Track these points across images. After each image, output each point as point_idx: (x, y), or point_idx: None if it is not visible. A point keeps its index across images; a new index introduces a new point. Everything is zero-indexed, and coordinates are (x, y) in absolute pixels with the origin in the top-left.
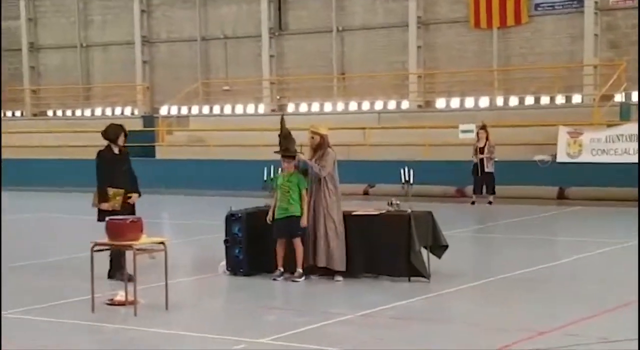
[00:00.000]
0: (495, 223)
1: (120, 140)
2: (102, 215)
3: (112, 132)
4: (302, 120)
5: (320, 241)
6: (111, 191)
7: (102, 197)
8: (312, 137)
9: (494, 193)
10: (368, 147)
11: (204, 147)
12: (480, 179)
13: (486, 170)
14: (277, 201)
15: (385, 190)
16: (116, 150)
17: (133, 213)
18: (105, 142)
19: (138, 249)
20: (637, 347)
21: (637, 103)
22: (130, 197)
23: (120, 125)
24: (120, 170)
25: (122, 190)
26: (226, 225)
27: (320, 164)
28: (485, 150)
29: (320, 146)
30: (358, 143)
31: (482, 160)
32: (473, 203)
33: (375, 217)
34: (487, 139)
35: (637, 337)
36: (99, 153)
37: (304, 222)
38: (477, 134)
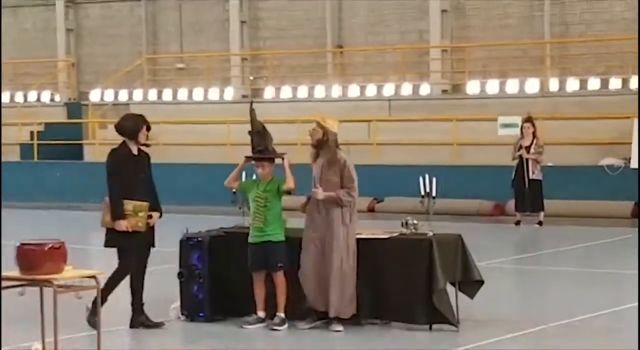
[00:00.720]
0: (546, 251)
1: (142, 137)
2: (115, 238)
3: (130, 124)
4: (285, 109)
5: (336, 282)
6: (130, 205)
7: (118, 212)
8: (313, 129)
9: (542, 209)
10: (374, 146)
11: (150, 146)
12: (524, 191)
13: (531, 176)
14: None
15: (397, 206)
16: (135, 150)
17: (153, 238)
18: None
19: (60, 286)
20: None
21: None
22: (150, 216)
23: (141, 116)
24: (140, 177)
25: (145, 204)
26: (181, 253)
27: (345, 185)
28: (532, 150)
29: (321, 144)
30: (360, 141)
31: (526, 163)
32: (518, 223)
33: (384, 242)
34: (534, 135)
35: None
36: (112, 152)
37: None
38: (522, 128)
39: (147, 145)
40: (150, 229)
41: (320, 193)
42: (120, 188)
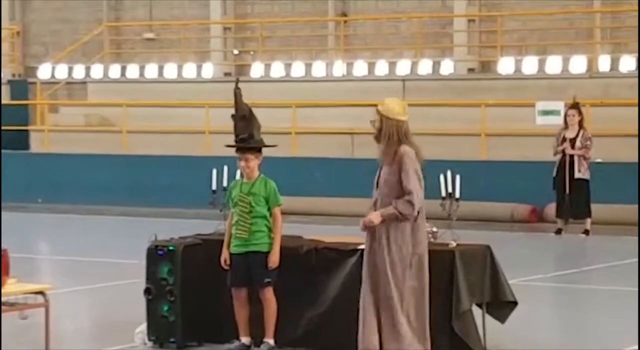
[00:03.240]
0: (593, 266)
1: None
2: None
3: None
4: (276, 90)
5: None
6: None
7: None
8: (373, 121)
9: (589, 215)
10: None
11: (111, 134)
12: (567, 193)
13: (577, 176)
14: (232, 227)
15: None
16: None
17: None
18: None
19: (1, 303)
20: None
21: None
22: None
23: None
24: None
25: None
26: (148, 266)
27: (406, 189)
28: (578, 143)
29: (381, 136)
30: (368, 130)
31: (571, 160)
32: (559, 232)
33: None
34: (580, 125)
35: None
36: None
37: (273, 260)
38: (565, 116)
39: None
40: None
41: (373, 218)
42: None
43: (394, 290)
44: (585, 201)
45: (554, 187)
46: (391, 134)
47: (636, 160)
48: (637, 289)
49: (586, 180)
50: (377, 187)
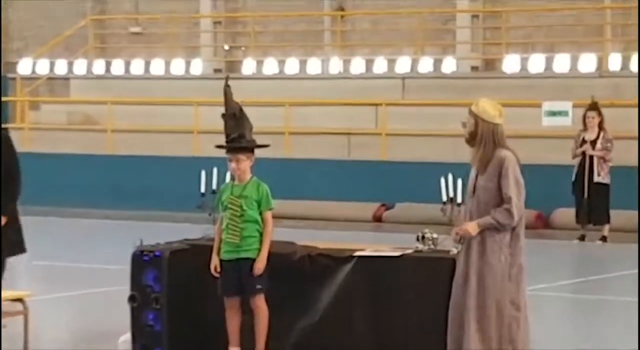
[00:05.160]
0: (608, 274)
1: None
2: None
3: None
4: (269, 88)
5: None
6: None
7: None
8: (464, 122)
9: (607, 221)
10: (383, 137)
11: (94, 133)
12: (585, 198)
13: (596, 180)
14: (222, 231)
15: (411, 215)
16: None
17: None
18: None
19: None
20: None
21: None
22: None
23: None
24: None
25: None
26: (132, 272)
27: (505, 196)
28: (598, 145)
29: (475, 138)
30: (366, 130)
31: (590, 162)
32: (582, 238)
33: (393, 262)
34: (600, 127)
35: None
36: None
37: (258, 267)
38: (585, 118)
39: None
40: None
41: (469, 228)
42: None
43: (473, 302)
44: (604, 206)
45: (573, 192)
46: (487, 138)
47: None
48: None
49: (606, 185)
50: (474, 194)
